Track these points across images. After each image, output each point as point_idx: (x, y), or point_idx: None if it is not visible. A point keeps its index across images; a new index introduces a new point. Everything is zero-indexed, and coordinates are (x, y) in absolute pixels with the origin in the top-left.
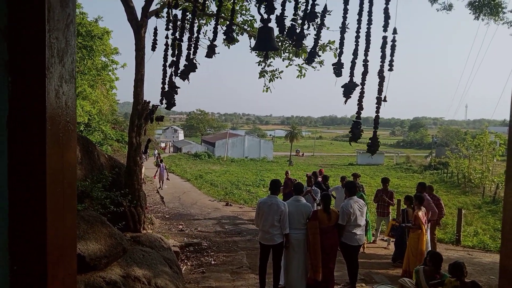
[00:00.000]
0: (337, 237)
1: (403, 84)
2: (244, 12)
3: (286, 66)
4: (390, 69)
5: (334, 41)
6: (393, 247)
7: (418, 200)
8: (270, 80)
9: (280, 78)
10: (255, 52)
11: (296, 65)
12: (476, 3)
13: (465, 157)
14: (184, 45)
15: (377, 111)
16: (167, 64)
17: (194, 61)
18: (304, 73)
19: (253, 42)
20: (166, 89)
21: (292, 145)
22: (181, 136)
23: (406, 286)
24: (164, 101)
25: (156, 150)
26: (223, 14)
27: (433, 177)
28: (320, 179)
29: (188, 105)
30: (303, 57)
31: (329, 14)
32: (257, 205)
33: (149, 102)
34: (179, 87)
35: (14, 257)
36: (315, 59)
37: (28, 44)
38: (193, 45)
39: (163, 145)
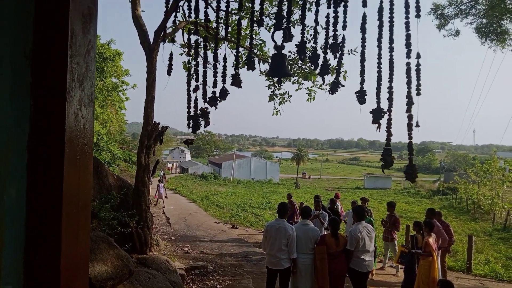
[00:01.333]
0: (345, 262)
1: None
2: (253, 36)
3: (296, 90)
4: (418, 94)
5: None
6: (402, 274)
7: (428, 227)
8: (280, 104)
9: (289, 101)
10: (264, 76)
11: (305, 88)
12: (483, 29)
13: (474, 183)
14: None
15: (410, 138)
16: (191, 89)
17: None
18: (314, 96)
19: (262, 66)
20: (192, 113)
21: (298, 167)
22: (188, 156)
23: None
24: (190, 125)
25: (162, 171)
26: (233, 38)
27: (442, 203)
28: (338, 203)
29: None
30: (312, 80)
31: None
32: (264, 228)
33: (158, 123)
34: (209, 112)
35: (28, 276)
36: (339, 89)
37: (50, 68)
38: (221, 72)
39: (169, 165)
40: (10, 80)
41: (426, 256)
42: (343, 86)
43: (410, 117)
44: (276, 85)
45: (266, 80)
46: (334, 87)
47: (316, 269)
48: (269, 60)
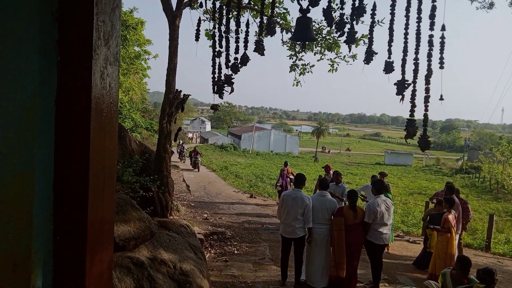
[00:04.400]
0: (362, 235)
1: (436, 83)
2: (277, 4)
3: (318, 60)
4: (441, 67)
5: (367, 35)
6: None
7: (448, 203)
8: (301, 74)
9: (311, 72)
10: (286, 46)
11: (328, 59)
12: None
13: (499, 162)
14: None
15: (426, 109)
16: (216, 55)
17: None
18: (336, 67)
19: (285, 35)
20: (216, 79)
21: (318, 141)
22: (208, 127)
23: None
24: (216, 90)
25: (181, 141)
26: (256, 7)
27: (464, 181)
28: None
29: (216, 97)
30: (336, 51)
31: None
32: (281, 198)
33: (180, 91)
34: (234, 78)
35: (57, 227)
36: (373, 58)
37: (77, 26)
38: (243, 39)
39: (190, 135)
40: (38, 37)
41: (445, 232)
42: (376, 53)
43: (427, 90)
44: (298, 55)
45: (288, 49)
46: (369, 56)
47: (334, 240)
48: (292, 30)
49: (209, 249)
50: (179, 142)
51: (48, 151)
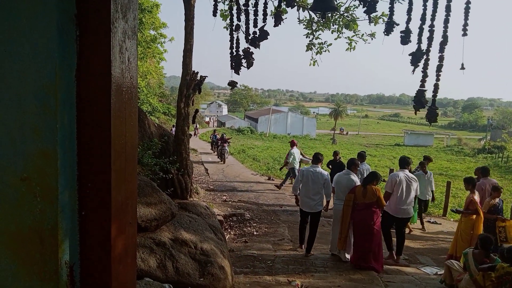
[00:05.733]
0: (371, 217)
1: (457, 59)
2: None
3: (335, 39)
4: (464, 34)
5: (388, 14)
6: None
7: (471, 183)
8: (317, 53)
9: (328, 51)
10: (303, 25)
11: (346, 37)
12: None
13: None
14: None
15: (437, 79)
16: (233, 29)
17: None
18: (354, 46)
19: (302, 13)
20: (235, 53)
21: (336, 123)
22: (225, 111)
23: (453, 268)
24: (233, 65)
25: (197, 124)
26: None
27: (487, 161)
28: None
29: (233, 73)
30: (353, 29)
31: None
32: (300, 172)
33: (197, 72)
34: (253, 53)
35: (82, 203)
36: (393, 29)
37: None
38: (262, 12)
39: (207, 119)
40: (56, 12)
41: (469, 214)
42: (397, 25)
43: (441, 58)
44: (314, 33)
45: (304, 28)
46: (389, 28)
47: (343, 215)
48: (308, 7)
49: (229, 230)
50: (196, 125)
51: (71, 127)
